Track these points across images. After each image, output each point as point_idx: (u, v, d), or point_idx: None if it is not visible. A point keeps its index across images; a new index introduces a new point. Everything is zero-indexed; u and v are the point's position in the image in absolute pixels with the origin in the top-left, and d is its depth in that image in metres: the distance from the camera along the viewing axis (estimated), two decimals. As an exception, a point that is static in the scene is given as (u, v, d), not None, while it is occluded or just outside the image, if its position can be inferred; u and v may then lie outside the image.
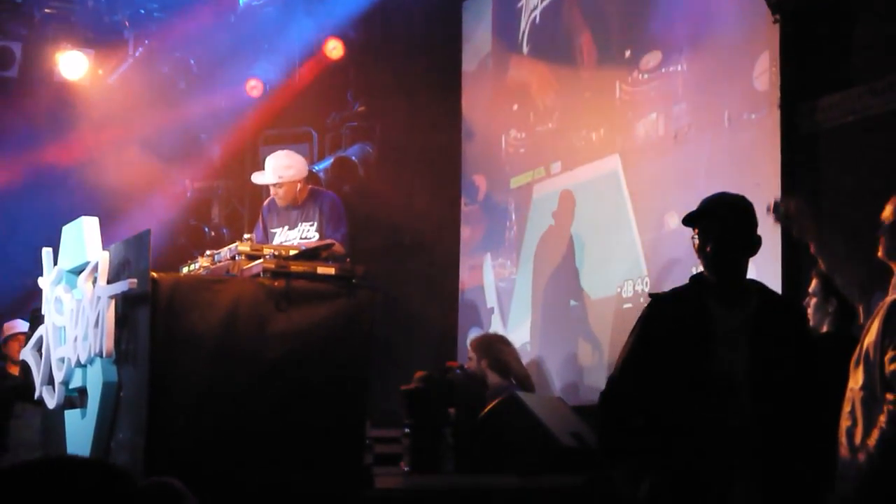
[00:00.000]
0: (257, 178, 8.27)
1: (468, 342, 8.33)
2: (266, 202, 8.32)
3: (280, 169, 8.10)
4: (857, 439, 4.47)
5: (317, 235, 8.00)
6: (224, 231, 11.67)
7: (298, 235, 8.05)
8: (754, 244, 4.62)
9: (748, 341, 4.45)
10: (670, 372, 4.44)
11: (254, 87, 11.48)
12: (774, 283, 7.19)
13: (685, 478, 4.40)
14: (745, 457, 4.38)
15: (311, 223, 8.06)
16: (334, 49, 11.11)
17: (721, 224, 4.58)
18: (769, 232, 7.20)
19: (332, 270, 6.35)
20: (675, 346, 4.45)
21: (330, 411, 6.10)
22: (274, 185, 8.11)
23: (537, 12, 9.62)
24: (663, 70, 8.28)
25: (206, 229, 11.84)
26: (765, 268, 7.30)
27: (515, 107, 9.79)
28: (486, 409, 6.93)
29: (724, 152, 7.72)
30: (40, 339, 6.88)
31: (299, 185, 8.14)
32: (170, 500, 3.43)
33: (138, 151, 11.46)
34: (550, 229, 9.26)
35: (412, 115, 10.53)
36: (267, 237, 8.11)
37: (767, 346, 4.45)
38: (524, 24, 9.75)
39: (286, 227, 8.11)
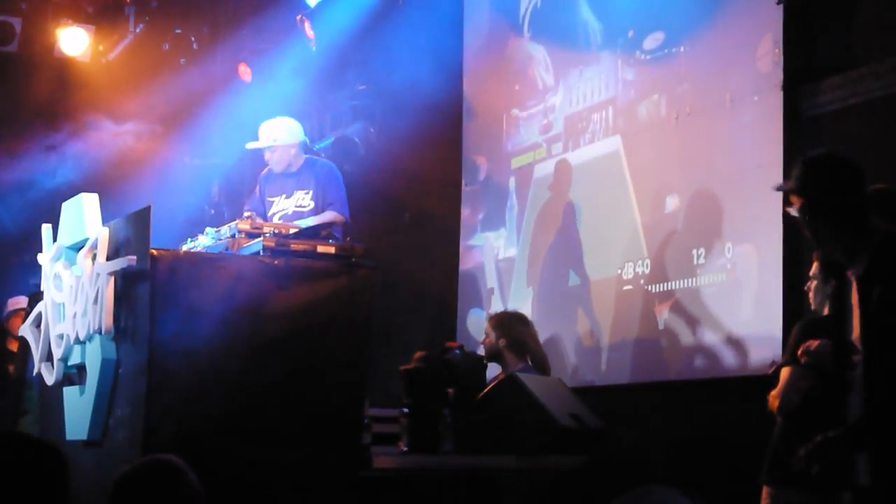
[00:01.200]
0: (251, 144, 8.27)
1: (485, 318, 8.24)
2: (264, 171, 8.32)
3: (274, 132, 8.10)
4: None
5: (312, 203, 8.00)
6: (224, 209, 11.65)
7: (294, 203, 8.04)
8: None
9: None
10: None
11: (244, 73, 11.43)
12: (776, 266, 7.18)
13: None
14: None
15: (306, 191, 8.06)
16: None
17: None
18: (771, 216, 7.22)
19: (332, 249, 6.34)
20: None
21: (329, 390, 6.10)
22: (267, 149, 8.10)
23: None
24: (666, 51, 8.26)
25: (206, 206, 11.83)
26: (767, 252, 7.29)
27: (517, 87, 9.77)
28: (486, 390, 6.92)
29: (727, 134, 7.71)
30: (39, 316, 6.87)
31: (293, 151, 8.13)
32: (168, 477, 3.43)
33: (138, 128, 11.44)
34: (547, 202, 9.25)
35: (413, 93, 10.50)
36: (263, 205, 8.11)
37: None
38: (526, 4, 9.72)
39: (283, 196, 8.11)
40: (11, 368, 9.14)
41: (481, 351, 7.86)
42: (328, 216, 7.78)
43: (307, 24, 10.72)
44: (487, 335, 7.76)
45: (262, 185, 8.25)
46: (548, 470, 6.64)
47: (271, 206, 8.09)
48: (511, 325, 7.81)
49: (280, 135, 8.07)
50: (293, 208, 8.03)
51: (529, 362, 7.61)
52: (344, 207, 7.96)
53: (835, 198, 4.44)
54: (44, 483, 2.52)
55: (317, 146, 10.76)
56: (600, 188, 8.74)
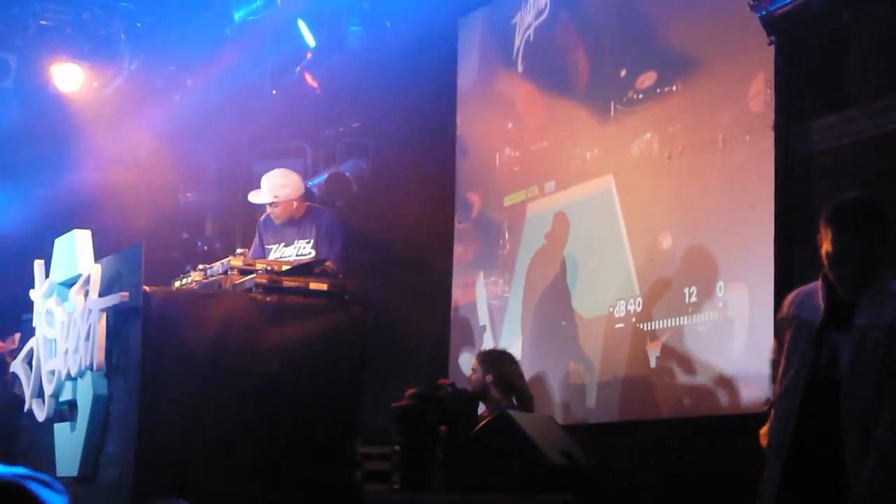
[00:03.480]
0: (253, 196, 8.30)
1: (475, 355, 8.27)
2: (262, 218, 8.33)
3: (275, 188, 8.12)
4: None
5: (313, 253, 8.00)
6: (216, 245, 11.65)
7: (295, 252, 8.05)
8: None
9: None
10: None
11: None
12: (767, 305, 7.19)
13: None
14: None
15: (307, 240, 8.07)
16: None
17: None
18: (763, 255, 7.23)
19: (324, 286, 6.35)
20: None
21: (320, 427, 6.10)
22: (269, 204, 8.13)
23: (531, 30, 9.63)
24: (658, 90, 8.29)
25: (199, 243, 11.83)
26: (759, 291, 7.30)
27: (510, 125, 9.79)
28: (477, 427, 6.91)
29: (719, 173, 7.73)
30: (31, 352, 6.86)
31: (295, 204, 8.16)
32: None
33: (131, 164, 11.46)
34: (543, 249, 9.26)
35: (407, 131, 10.53)
36: (263, 253, 8.11)
37: None
38: (518, 42, 9.76)
39: (282, 244, 8.12)
40: None
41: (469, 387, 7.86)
42: (322, 258, 7.79)
43: (307, 76, 10.76)
44: (475, 371, 7.79)
45: (260, 231, 8.28)
46: (539, 508, 6.63)
47: (270, 252, 8.09)
48: (500, 363, 7.83)
49: (280, 192, 8.11)
50: (294, 257, 8.04)
51: (514, 400, 7.62)
52: (338, 259, 7.96)
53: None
54: None
55: (310, 183, 10.78)
56: (593, 226, 8.76)
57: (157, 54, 11.22)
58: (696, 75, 8.01)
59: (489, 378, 7.69)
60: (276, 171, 8.28)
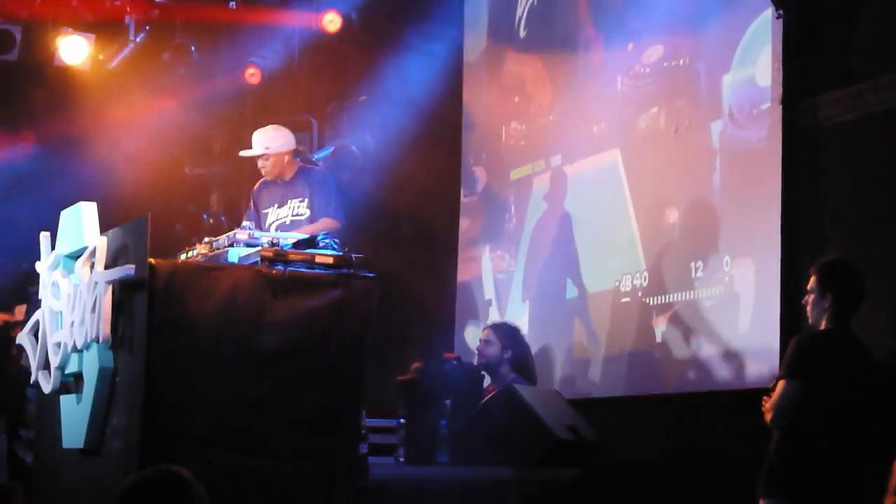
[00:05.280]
0: (244, 152, 8.28)
1: (488, 326, 8.18)
2: (256, 185, 8.32)
3: (266, 140, 8.10)
4: None
5: (308, 212, 7.98)
6: (222, 218, 11.65)
7: (290, 213, 8.04)
8: None
9: None
10: None
11: (252, 75, 11.47)
12: (774, 280, 7.19)
13: None
14: None
15: (300, 199, 8.05)
16: (331, 22, 11.04)
17: None
18: (769, 229, 7.23)
19: (330, 259, 6.34)
20: None
21: (326, 400, 6.09)
22: (260, 156, 8.10)
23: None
24: (665, 64, 8.27)
25: (205, 216, 11.83)
26: (765, 265, 7.30)
27: (516, 98, 9.78)
28: (482, 401, 6.92)
29: (726, 148, 7.71)
30: (37, 324, 6.87)
31: (286, 158, 8.13)
32: (177, 488, 3.41)
33: (137, 137, 11.45)
34: (545, 214, 9.26)
35: (412, 104, 10.51)
36: (259, 218, 8.10)
37: None
38: (521, 11, 9.72)
39: (276, 206, 8.11)
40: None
41: (475, 359, 7.85)
42: (323, 223, 7.77)
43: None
44: (492, 343, 7.73)
45: (255, 199, 8.26)
46: (544, 482, 6.64)
47: (266, 217, 8.08)
48: (517, 339, 7.82)
49: (272, 143, 8.08)
50: (290, 217, 8.03)
51: (522, 377, 7.62)
52: (338, 212, 7.95)
53: None
54: None
55: (316, 156, 10.77)
56: (599, 200, 8.75)
57: (162, 26, 11.19)
58: (704, 49, 7.99)
59: (508, 354, 7.68)
60: (268, 126, 8.26)
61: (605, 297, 8.53)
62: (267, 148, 8.07)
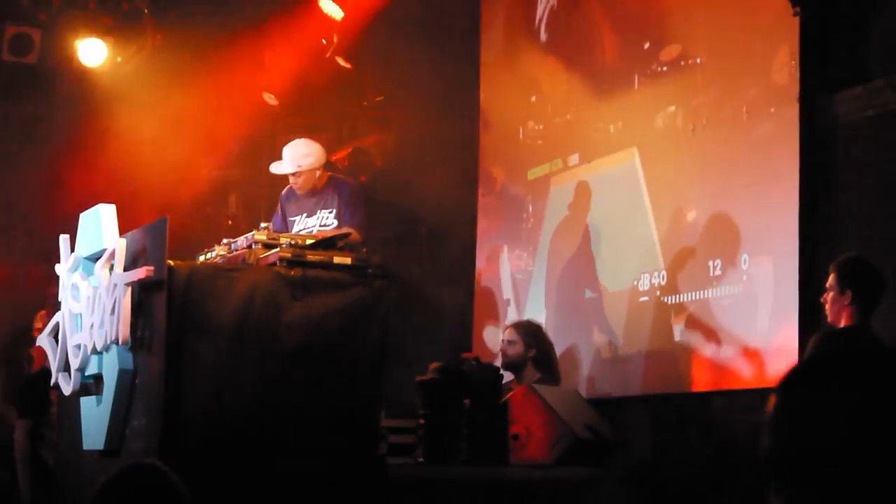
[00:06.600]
0: (275, 167, 8.27)
1: (511, 325, 8.17)
2: (284, 191, 8.32)
3: (298, 158, 8.09)
4: None
5: (335, 223, 7.99)
6: (241, 220, 11.66)
7: (318, 223, 8.04)
8: None
9: None
10: None
11: (269, 99, 11.42)
12: (792, 278, 7.17)
13: None
14: None
15: (329, 210, 8.06)
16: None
17: None
18: (787, 227, 7.21)
19: (348, 260, 6.35)
20: None
21: (344, 400, 6.11)
22: (292, 174, 8.11)
23: (554, 0, 9.60)
24: (682, 63, 8.26)
25: (223, 218, 11.85)
26: (783, 263, 7.29)
27: (533, 98, 9.77)
28: (501, 401, 6.92)
29: (743, 146, 7.70)
30: (57, 326, 6.90)
31: (318, 173, 8.14)
32: (158, 481, 3.36)
33: (155, 139, 11.47)
34: (566, 220, 9.25)
35: (430, 104, 10.51)
36: (286, 225, 8.10)
37: None
38: (541, 12, 9.72)
39: (304, 215, 8.11)
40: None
41: (498, 359, 7.85)
42: (345, 229, 7.79)
43: (340, 59, 10.76)
44: (515, 343, 7.73)
45: (283, 204, 8.26)
46: (563, 481, 6.64)
47: (293, 225, 8.08)
48: (541, 337, 7.81)
49: (304, 160, 8.07)
50: (318, 227, 8.02)
51: (546, 375, 7.61)
52: (361, 228, 7.95)
53: None
54: None
55: (333, 157, 10.78)
56: (617, 200, 8.74)
57: (180, 28, 11.22)
58: (721, 47, 7.98)
59: (532, 353, 7.68)
60: (299, 140, 8.26)
61: (623, 297, 8.52)
62: (299, 166, 8.07)
